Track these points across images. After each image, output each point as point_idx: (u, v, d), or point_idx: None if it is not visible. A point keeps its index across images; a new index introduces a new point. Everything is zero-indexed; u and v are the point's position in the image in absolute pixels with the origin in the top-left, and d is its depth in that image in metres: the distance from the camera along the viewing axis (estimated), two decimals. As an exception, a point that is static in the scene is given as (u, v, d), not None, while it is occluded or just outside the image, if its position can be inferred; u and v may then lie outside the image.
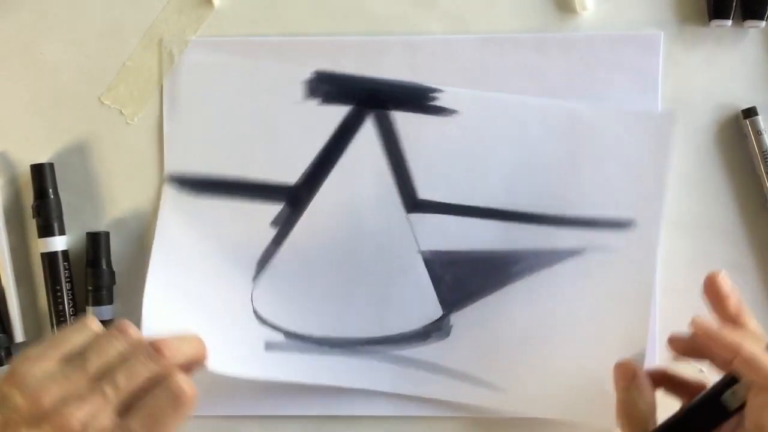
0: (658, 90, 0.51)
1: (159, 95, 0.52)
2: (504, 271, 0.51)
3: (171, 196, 0.52)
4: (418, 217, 0.51)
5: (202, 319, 0.50)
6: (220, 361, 0.48)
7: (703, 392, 0.44)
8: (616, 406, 0.46)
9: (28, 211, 0.52)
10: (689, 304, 0.46)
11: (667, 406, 0.46)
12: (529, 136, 0.51)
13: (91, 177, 0.53)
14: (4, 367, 0.51)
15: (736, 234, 0.51)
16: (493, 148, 0.51)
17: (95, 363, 0.39)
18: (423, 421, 0.52)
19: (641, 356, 0.49)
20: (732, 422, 0.42)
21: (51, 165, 0.52)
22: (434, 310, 0.51)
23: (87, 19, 0.53)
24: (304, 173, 0.51)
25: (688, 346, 0.46)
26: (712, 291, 0.45)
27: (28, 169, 0.52)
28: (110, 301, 0.52)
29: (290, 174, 0.51)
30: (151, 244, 0.52)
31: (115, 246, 0.52)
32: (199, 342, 0.45)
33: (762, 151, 0.50)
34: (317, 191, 0.51)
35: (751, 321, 0.45)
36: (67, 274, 0.51)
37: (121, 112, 0.53)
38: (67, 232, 0.52)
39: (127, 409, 0.39)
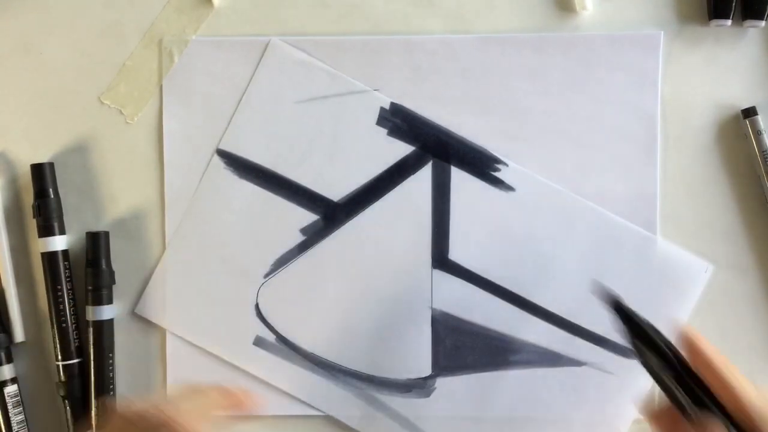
0: (657, 90, 0.51)
1: (159, 95, 0.52)
2: (503, 356, 0.51)
3: (216, 167, 0.52)
4: (441, 275, 0.51)
5: (205, 290, 0.52)
6: (208, 339, 0.51)
7: None
8: None
9: (29, 211, 0.52)
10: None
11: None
12: (572, 235, 0.51)
13: (91, 177, 0.53)
14: (3, 367, 0.51)
15: (736, 234, 0.51)
16: (535, 236, 0.51)
17: None
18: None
19: None
20: None
21: (51, 165, 0.52)
22: (424, 368, 0.51)
23: (87, 19, 0.53)
24: (348, 194, 0.52)
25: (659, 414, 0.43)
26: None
27: (29, 168, 0.52)
28: (110, 301, 0.52)
29: (336, 190, 0.52)
30: (152, 243, 0.52)
31: (115, 246, 0.52)
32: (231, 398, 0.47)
33: (762, 151, 0.50)
34: (355, 216, 0.52)
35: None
36: (67, 274, 0.52)
37: (121, 111, 0.53)
38: (67, 231, 0.52)
39: None
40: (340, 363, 0.52)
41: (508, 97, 0.51)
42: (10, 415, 0.51)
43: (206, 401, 0.45)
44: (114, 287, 0.52)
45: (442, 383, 0.51)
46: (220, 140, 0.52)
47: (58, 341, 0.51)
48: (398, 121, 0.51)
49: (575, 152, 0.51)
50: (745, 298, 0.51)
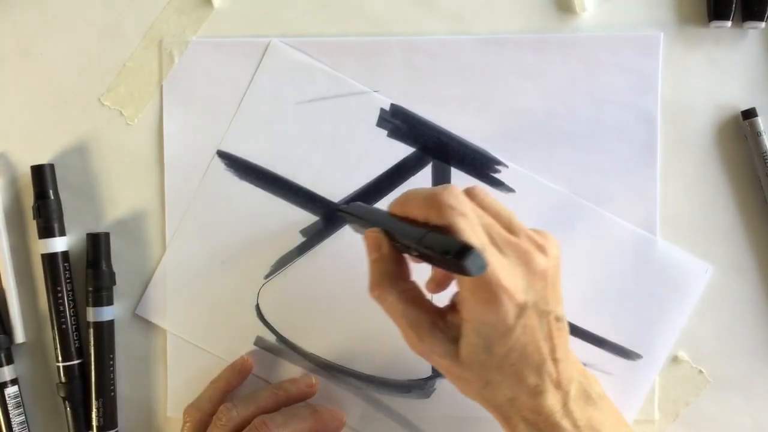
0: (657, 91, 0.51)
1: (159, 96, 0.52)
2: None
3: (216, 167, 0.52)
4: None
5: (206, 291, 0.52)
6: (209, 339, 0.52)
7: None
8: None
9: (29, 212, 0.52)
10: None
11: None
12: (572, 237, 0.51)
13: (92, 178, 0.53)
14: (4, 368, 0.51)
15: (736, 234, 0.51)
16: None
17: None
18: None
19: None
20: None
21: (51, 166, 0.52)
22: (424, 369, 0.52)
23: (87, 20, 0.53)
24: (349, 195, 0.52)
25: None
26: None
27: (29, 170, 0.52)
28: (110, 302, 0.52)
29: (336, 192, 0.52)
30: (152, 244, 0.52)
31: (115, 247, 0.52)
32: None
33: (761, 152, 0.50)
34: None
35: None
36: (67, 275, 0.52)
37: (121, 112, 0.53)
38: (67, 233, 0.52)
39: None
40: (340, 363, 0.52)
41: (508, 99, 0.51)
42: (10, 416, 0.51)
43: (304, 426, 0.48)
44: (114, 288, 0.52)
45: (442, 384, 0.51)
46: (221, 141, 0.52)
47: (58, 342, 0.51)
48: (398, 122, 0.51)
49: (575, 153, 0.51)
50: (744, 299, 0.51)
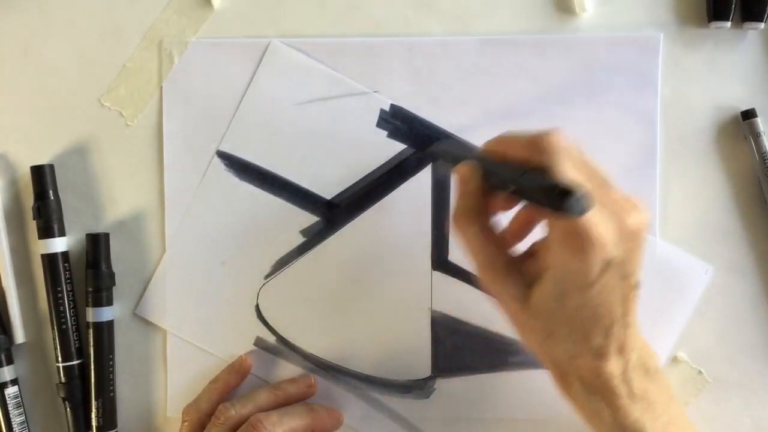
0: (657, 91, 0.51)
1: (159, 97, 0.52)
2: (501, 357, 0.51)
3: (216, 168, 0.52)
4: (440, 277, 0.51)
5: (206, 292, 0.52)
6: (209, 340, 0.52)
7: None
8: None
9: (29, 213, 0.52)
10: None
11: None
12: None
13: (91, 178, 0.53)
14: (4, 368, 0.51)
15: (735, 234, 0.51)
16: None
17: None
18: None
19: None
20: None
21: (51, 166, 0.52)
22: (424, 369, 0.52)
23: (87, 21, 0.53)
24: (348, 195, 0.52)
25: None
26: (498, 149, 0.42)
27: (29, 170, 0.52)
28: (110, 303, 0.52)
29: (336, 192, 0.52)
30: (152, 245, 0.52)
31: (115, 247, 0.52)
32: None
33: (761, 153, 0.50)
34: (355, 217, 0.52)
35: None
36: (67, 276, 0.52)
37: (121, 113, 0.53)
38: (67, 233, 0.52)
39: None
40: (340, 364, 0.52)
41: (508, 99, 0.51)
42: (10, 416, 0.51)
43: (300, 424, 0.48)
44: (114, 289, 0.52)
45: (442, 384, 0.52)
46: (221, 142, 0.52)
47: (58, 343, 0.51)
48: (398, 122, 0.51)
49: (575, 154, 0.51)
50: (744, 300, 0.51)
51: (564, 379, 0.41)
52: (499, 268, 0.40)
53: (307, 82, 0.52)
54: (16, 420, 0.51)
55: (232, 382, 0.51)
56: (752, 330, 0.51)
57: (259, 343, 0.52)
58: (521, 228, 0.43)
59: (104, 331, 0.51)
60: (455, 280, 0.51)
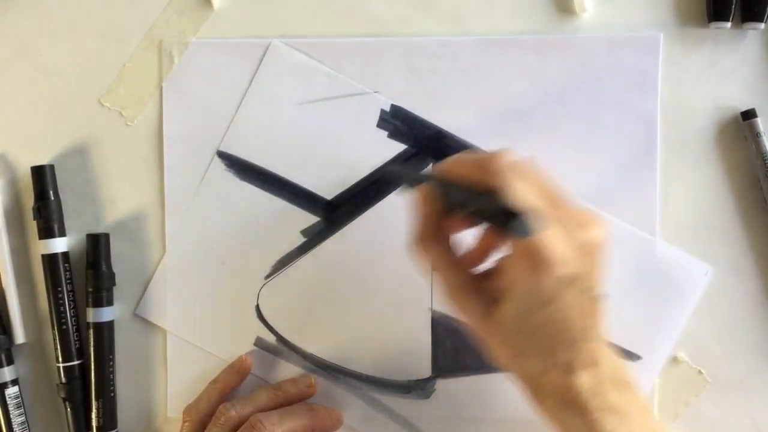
0: (657, 91, 0.51)
1: (159, 97, 0.52)
2: None
3: (216, 168, 0.52)
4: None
5: (206, 292, 0.52)
6: (209, 340, 0.52)
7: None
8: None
9: (29, 213, 0.52)
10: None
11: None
12: None
13: (92, 179, 0.53)
14: (4, 368, 0.51)
15: (735, 234, 0.51)
16: None
17: None
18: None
19: None
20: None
21: (51, 167, 0.52)
22: (424, 370, 0.52)
23: (87, 21, 0.53)
24: (349, 196, 0.52)
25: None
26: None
27: (29, 170, 0.52)
28: (110, 303, 0.52)
29: (336, 192, 0.52)
30: (152, 245, 0.52)
31: (115, 247, 0.52)
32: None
33: (761, 153, 0.50)
34: (356, 217, 0.52)
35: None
36: (67, 276, 0.52)
37: (121, 113, 0.53)
38: (67, 233, 0.52)
39: None
40: (340, 364, 0.52)
41: (508, 99, 0.51)
42: (11, 416, 0.51)
43: (300, 424, 0.48)
44: (114, 289, 0.52)
45: (442, 385, 0.52)
46: (221, 142, 0.52)
47: (58, 343, 0.51)
48: (398, 123, 0.51)
49: (575, 154, 0.51)
50: (744, 300, 0.51)
51: (537, 394, 0.41)
52: (463, 288, 0.41)
53: (308, 82, 0.52)
54: (17, 420, 0.51)
55: (232, 383, 0.51)
56: (752, 330, 0.51)
57: (259, 343, 0.52)
58: (486, 246, 0.43)
59: (104, 331, 0.51)
60: None
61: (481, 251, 0.43)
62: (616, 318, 0.50)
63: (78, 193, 0.53)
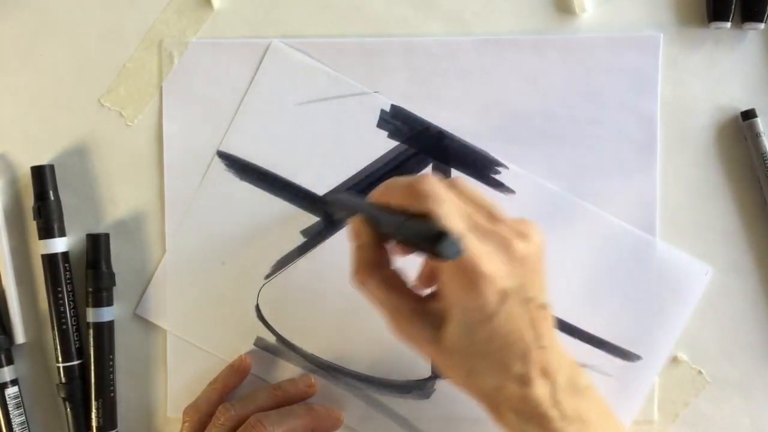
0: (657, 92, 0.51)
1: (159, 97, 0.52)
2: None
3: (216, 168, 0.52)
4: None
5: (206, 292, 0.52)
6: (209, 340, 0.52)
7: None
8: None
9: (29, 213, 0.52)
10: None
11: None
12: (572, 238, 0.51)
13: (92, 179, 0.53)
14: (4, 368, 0.51)
15: (735, 235, 0.51)
16: None
17: None
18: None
19: None
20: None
21: (51, 167, 0.52)
22: (424, 370, 0.52)
23: (87, 21, 0.53)
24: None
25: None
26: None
27: (29, 170, 0.52)
28: (110, 303, 0.52)
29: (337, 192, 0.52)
30: (152, 245, 0.52)
31: (115, 247, 0.52)
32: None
33: (761, 153, 0.50)
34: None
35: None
36: (67, 276, 0.52)
37: (121, 113, 0.53)
38: (67, 233, 0.52)
39: None
40: (340, 364, 0.52)
41: (508, 100, 0.51)
42: (11, 416, 0.51)
43: (300, 423, 0.48)
44: (114, 289, 0.52)
45: (442, 385, 0.52)
46: (221, 142, 0.52)
47: (58, 343, 0.51)
48: (398, 123, 0.51)
49: (575, 154, 0.51)
50: (744, 300, 0.51)
51: (496, 411, 0.40)
52: (406, 315, 0.40)
53: (308, 82, 0.52)
54: (17, 420, 0.51)
55: (232, 382, 0.51)
56: (752, 330, 0.51)
57: (259, 343, 0.52)
58: (430, 273, 0.43)
59: (104, 331, 0.51)
60: None
61: (428, 275, 0.43)
62: (616, 318, 0.51)
63: (78, 193, 0.53)
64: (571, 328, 0.51)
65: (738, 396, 0.51)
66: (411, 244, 0.38)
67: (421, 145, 0.51)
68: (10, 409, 0.51)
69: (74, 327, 0.51)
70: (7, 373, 0.51)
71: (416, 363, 0.51)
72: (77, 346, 0.52)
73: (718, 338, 0.51)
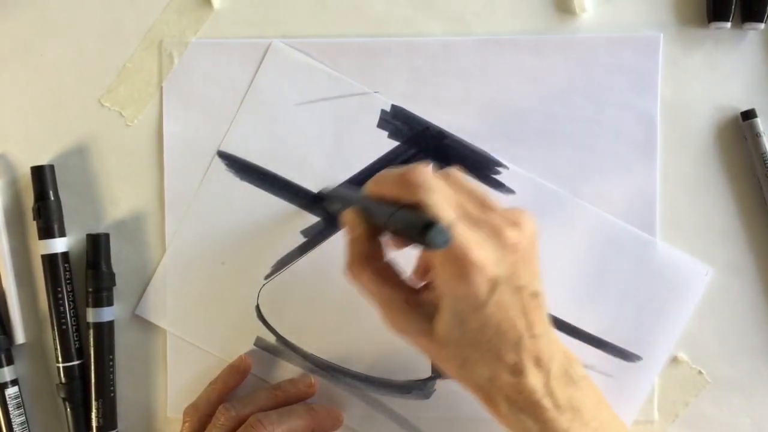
0: (657, 92, 0.51)
1: (159, 97, 0.52)
2: None
3: (216, 168, 0.52)
4: None
5: (206, 292, 0.52)
6: (209, 340, 0.52)
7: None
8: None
9: (29, 213, 0.52)
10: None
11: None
12: (572, 238, 0.51)
13: (92, 179, 0.53)
14: (4, 369, 0.51)
15: (735, 235, 0.51)
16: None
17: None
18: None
19: None
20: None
21: (51, 167, 0.52)
22: (424, 370, 0.52)
23: (87, 21, 0.53)
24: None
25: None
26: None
27: (29, 170, 0.52)
28: (110, 303, 0.52)
29: None
30: (152, 245, 0.52)
31: (115, 247, 0.52)
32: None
33: (760, 153, 0.50)
34: None
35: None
36: (67, 276, 0.52)
37: (121, 113, 0.53)
38: (67, 233, 0.52)
39: None
40: (340, 364, 0.52)
41: (508, 100, 0.51)
42: (11, 416, 0.51)
43: (300, 423, 0.48)
44: (114, 289, 0.52)
45: (442, 385, 0.52)
46: (221, 142, 0.52)
47: (58, 343, 0.51)
48: (399, 123, 0.51)
49: (575, 154, 0.51)
50: (744, 300, 0.51)
51: (490, 401, 0.40)
52: (398, 307, 0.40)
53: (308, 82, 0.52)
54: (17, 420, 0.51)
55: (232, 383, 0.51)
56: (752, 330, 0.51)
57: (259, 343, 0.52)
58: (426, 266, 0.43)
59: (104, 331, 0.51)
60: None
61: (423, 267, 0.43)
62: (616, 318, 0.51)
63: (78, 193, 0.53)
64: (571, 328, 0.51)
65: (738, 396, 0.51)
66: (402, 235, 0.38)
67: (422, 145, 0.51)
68: (10, 409, 0.51)
69: (74, 327, 0.51)
70: (7, 373, 0.51)
71: (416, 363, 0.51)
72: (77, 346, 0.52)
73: (718, 338, 0.51)
